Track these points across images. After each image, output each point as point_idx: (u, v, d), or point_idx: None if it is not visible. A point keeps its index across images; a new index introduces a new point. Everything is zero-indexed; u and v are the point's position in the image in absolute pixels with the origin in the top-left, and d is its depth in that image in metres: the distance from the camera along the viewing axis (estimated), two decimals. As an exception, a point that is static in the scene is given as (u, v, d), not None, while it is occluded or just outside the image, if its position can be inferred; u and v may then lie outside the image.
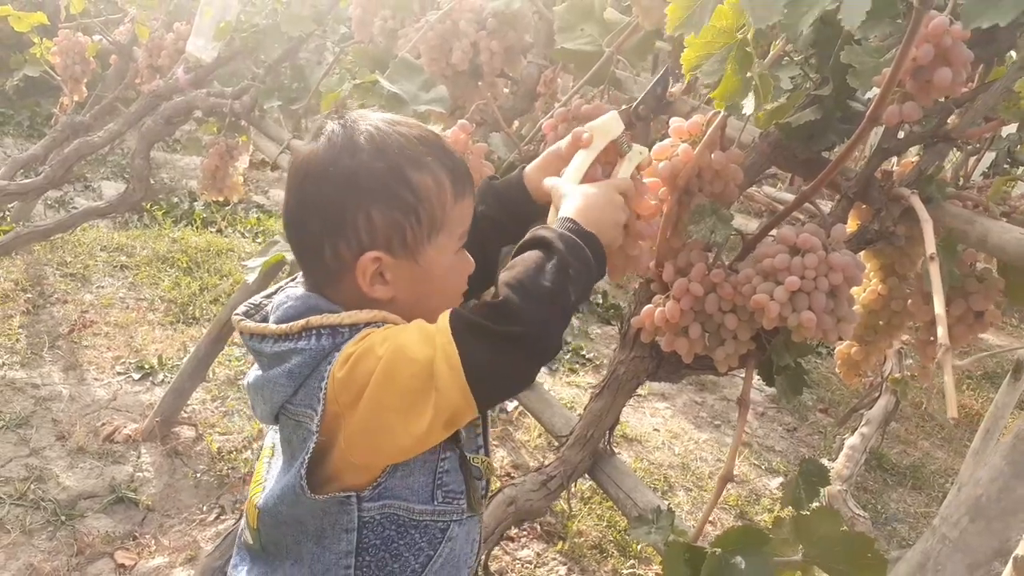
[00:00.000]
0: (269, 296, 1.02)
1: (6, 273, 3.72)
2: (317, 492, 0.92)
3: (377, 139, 0.94)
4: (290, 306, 0.96)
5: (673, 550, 1.12)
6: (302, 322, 0.92)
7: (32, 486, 2.47)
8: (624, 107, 1.06)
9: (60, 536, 2.31)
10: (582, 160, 1.06)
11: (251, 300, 1.03)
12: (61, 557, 2.23)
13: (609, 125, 1.07)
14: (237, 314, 1.00)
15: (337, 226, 0.94)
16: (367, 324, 0.92)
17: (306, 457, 0.91)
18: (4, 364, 3.07)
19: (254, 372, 0.98)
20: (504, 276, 0.89)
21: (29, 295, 3.59)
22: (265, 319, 0.98)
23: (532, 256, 0.91)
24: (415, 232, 0.95)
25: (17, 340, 3.25)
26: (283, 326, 0.93)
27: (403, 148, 0.94)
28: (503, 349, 0.86)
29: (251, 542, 1.04)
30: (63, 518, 2.37)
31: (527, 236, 0.95)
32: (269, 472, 1.02)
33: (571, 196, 1.01)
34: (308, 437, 0.91)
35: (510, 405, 3.38)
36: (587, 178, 1.06)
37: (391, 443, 0.89)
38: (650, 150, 1.16)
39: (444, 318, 0.88)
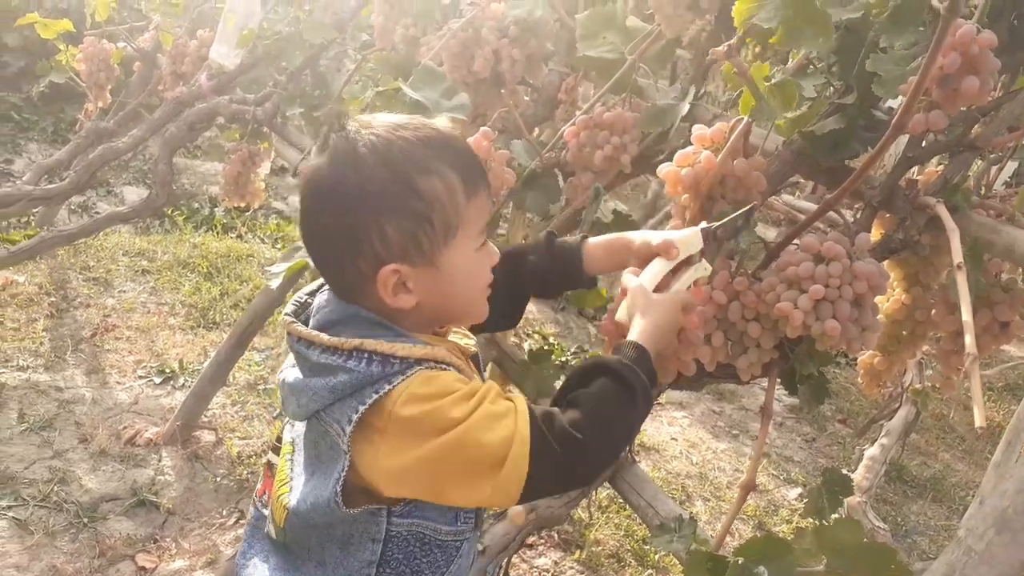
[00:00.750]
0: (313, 293, 1.02)
1: (31, 277, 3.76)
2: (351, 506, 0.93)
3: (380, 149, 0.91)
4: (330, 310, 0.96)
5: (696, 559, 1.12)
6: (356, 342, 0.90)
7: (55, 488, 2.49)
8: (705, 225, 1.12)
9: (82, 538, 2.33)
10: (660, 268, 1.09)
11: (298, 297, 1.03)
12: (83, 559, 2.25)
13: (691, 240, 1.11)
14: (287, 314, 1.00)
15: (352, 243, 0.92)
16: (419, 361, 0.92)
17: (342, 475, 0.91)
18: (28, 367, 3.11)
19: (294, 373, 0.97)
20: (587, 402, 0.93)
21: (53, 299, 3.63)
22: (308, 320, 0.98)
23: (617, 394, 0.94)
24: (431, 239, 0.93)
25: (41, 343, 3.28)
26: (335, 340, 0.92)
27: (408, 155, 0.92)
28: (564, 477, 0.93)
29: (275, 536, 1.05)
30: (85, 520, 2.39)
31: (611, 359, 0.97)
32: (293, 470, 1.03)
33: (646, 315, 1.04)
34: (338, 453, 0.92)
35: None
36: (660, 284, 1.10)
37: (432, 496, 0.94)
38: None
39: (525, 424, 0.89)
